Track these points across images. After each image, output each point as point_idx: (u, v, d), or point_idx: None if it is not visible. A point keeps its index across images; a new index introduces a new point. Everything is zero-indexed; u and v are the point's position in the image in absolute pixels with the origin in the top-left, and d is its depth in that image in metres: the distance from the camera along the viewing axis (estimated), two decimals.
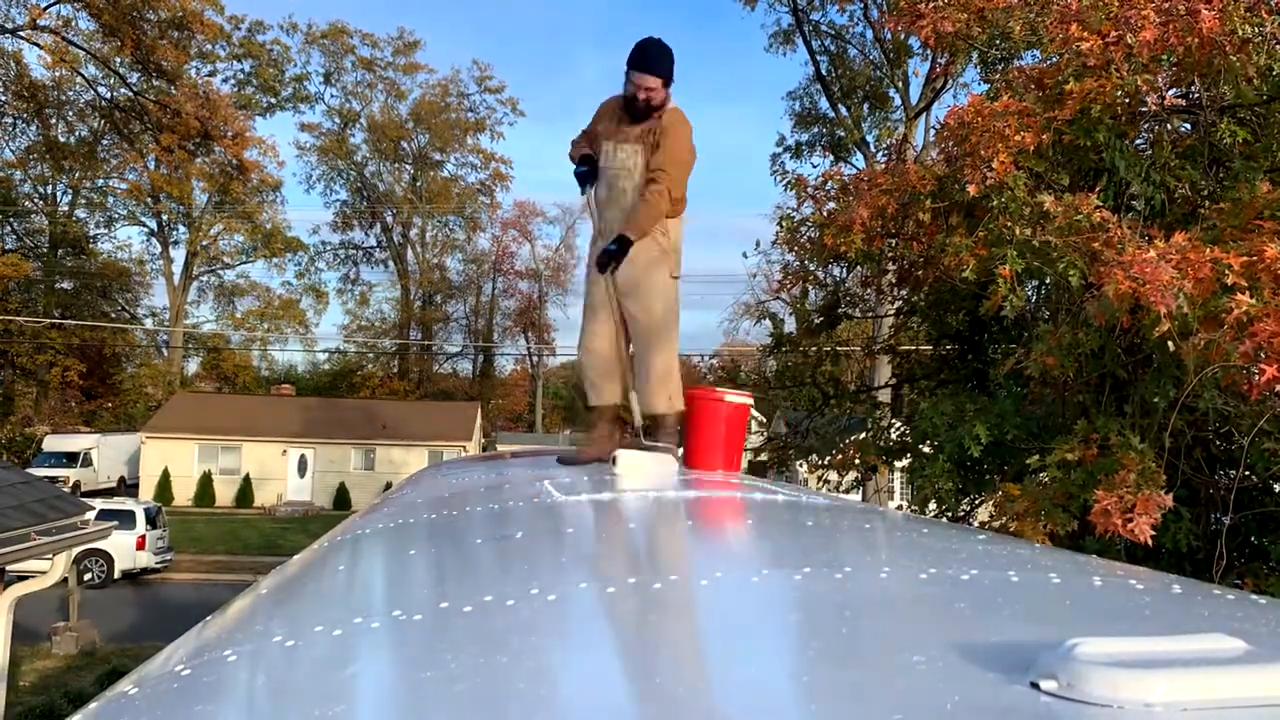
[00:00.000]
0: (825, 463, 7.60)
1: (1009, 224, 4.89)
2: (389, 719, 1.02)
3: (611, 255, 3.66)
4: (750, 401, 3.85)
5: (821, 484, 7.87)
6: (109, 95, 46.10)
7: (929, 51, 8.87)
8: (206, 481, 36.31)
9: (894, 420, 8.14)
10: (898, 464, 7.46)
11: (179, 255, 53.63)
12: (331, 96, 58.83)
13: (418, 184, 60.36)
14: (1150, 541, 4.24)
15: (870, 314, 10.18)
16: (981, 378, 7.22)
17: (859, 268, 7.83)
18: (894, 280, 7.79)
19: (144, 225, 53.60)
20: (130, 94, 44.16)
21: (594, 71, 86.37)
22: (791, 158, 26.14)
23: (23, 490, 7.75)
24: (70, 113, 49.20)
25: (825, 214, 6.64)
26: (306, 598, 1.86)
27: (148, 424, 38.86)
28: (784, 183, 7.44)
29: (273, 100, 55.76)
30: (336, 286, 61.80)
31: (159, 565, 22.50)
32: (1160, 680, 0.84)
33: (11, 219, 49.07)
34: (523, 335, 61.20)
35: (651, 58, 3.69)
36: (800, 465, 8.71)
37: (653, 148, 3.74)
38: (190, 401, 41.09)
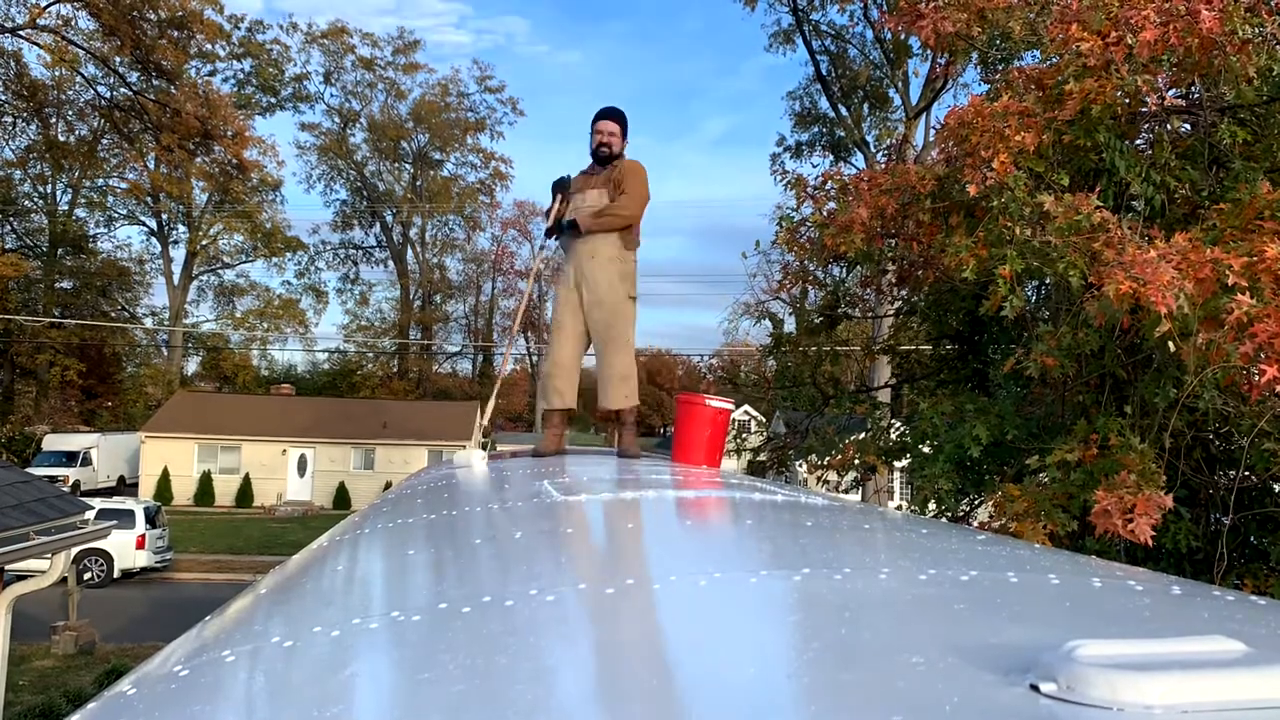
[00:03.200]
0: (825, 463, 7.60)
1: (1009, 224, 4.89)
2: None
3: (564, 229, 4.53)
4: (731, 407, 4.32)
5: (821, 484, 7.87)
6: (109, 95, 46.13)
7: (929, 51, 8.87)
8: (206, 481, 36.32)
9: (894, 420, 8.14)
10: (897, 464, 7.46)
11: (179, 255, 53.73)
12: (331, 96, 59.12)
13: (418, 183, 60.39)
14: (1150, 542, 4.23)
15: (870, 314, 10.18)
16: (981, 378, 7.22)
17: (859, 268, 7.83)
18: (894, 280, 7.79)
19: (144, 225, 53.69)
20: (130, 93, 44.17)
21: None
22: (791, 157, 26.21)
23: (22, 490, 7.75)
24: (70, 112, 49.27)
25: (825, 214, 6.64)
26: (305, 598, 1.86)
27: (147, 423, 38.86)
28: (784, 183, 7.44)
29: (273, 100, 55.86)
30: (336, 286, 61.95)
31: (158, 565, 22.51)
32: (1160, 682, 0.84)
33: (11, 218, 49.07)
34: (522, 335, 61.27)
35: (609, 110, 4.59)
36: (799, 465, 8.71)
37: (615, 187, 4.50)
38: (190, 401, 41.09)
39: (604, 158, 4.48)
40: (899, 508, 9.55)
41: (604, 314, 4.49)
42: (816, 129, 26.77)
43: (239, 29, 51.45)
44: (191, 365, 56.26)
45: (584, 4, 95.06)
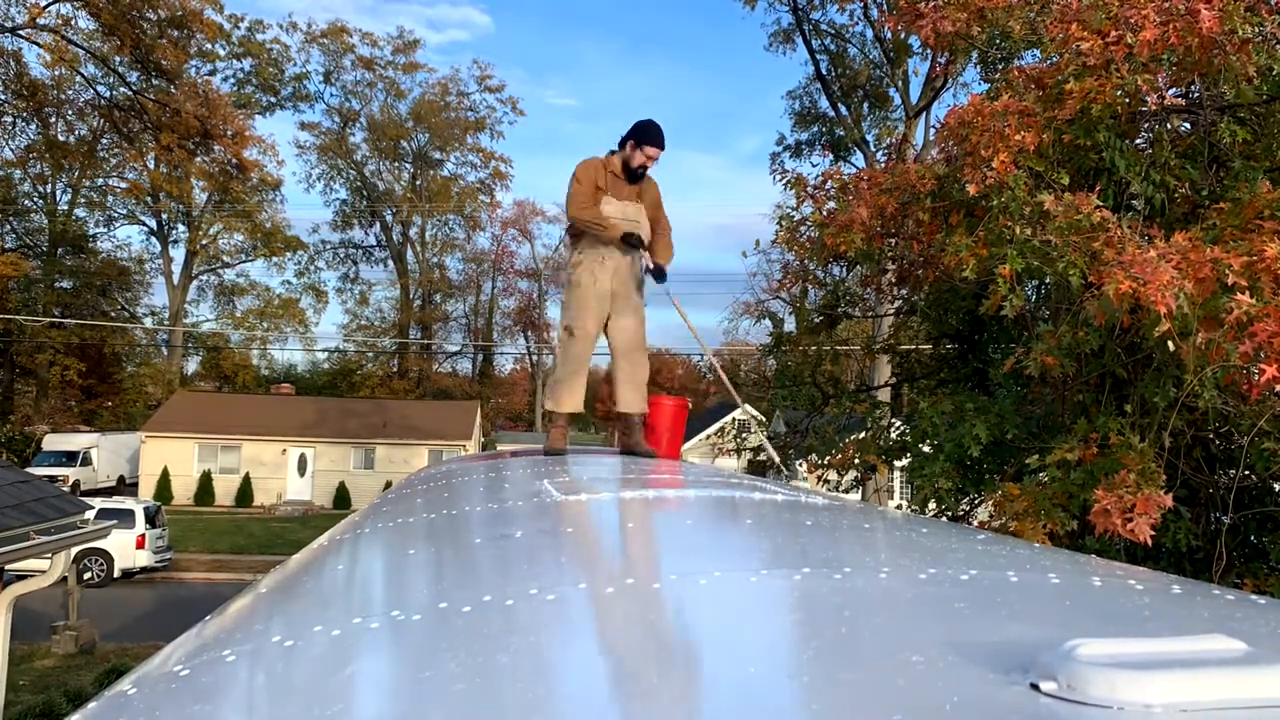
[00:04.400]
0: (825, 462, 7.59)
1: (1009, 223, 4.89)
2: (388, 719, 1.02)
3: (663, 274, 4.74)
4: (687, 402, 4.94)
5: (821, 483, 7.87)
6: (108, 94, 46.08)
7: (929, 51, 8.87)
8: (206, 481, 36.30)
9: (894, 420, 8.14)
10: (897, 463, 7.46)
11: (179, 254, 53.72)
12: (331, 95, 59.13)
13: (417, 183, 60.37)
14: (1150, 541, 4.24)
15: (870, 313, 10.18)
16: (981, 377, 7.22)
17: (859, 267, 7.83)
18: (894, 280, 7.79)
19: (144, 224, 53.68)
20: (130, 93, 44.12)
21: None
22: (791, 157, 26.21)
23: (22, 489, 7.75)
24: (70, 112, 49.21)
25: (825, 213, 6.63)
26: (306, 597, 1.86)
27: (147, 423, 38.84)
28: (784, 182, 7.43)
29: (272, 99, 55.84)
30: (336, 286, 61.82)
31: (158, 564, 22.50)
32: (1160, 681, 0.84)
33: (11, 218, 49.05)
34: (522, 335, 61.30)
35: (660, 136, 4.66)
36: (800, 465, 8.70)
37: (651, 203, 4.79)
38: (190, 401, 41.08)
39: (639, 177, 4.70)
40: (899, 507, 9.55)
41: (636, 322, 4.72)
42: (816, 128, 26.77)
43: (239, 28, 51.50)
44: (191, 365, 56.31)
45: (649, 38, 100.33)
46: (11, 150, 48.85)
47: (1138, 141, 5.66)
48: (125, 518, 20.67)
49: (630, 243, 4.60)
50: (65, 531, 7.70)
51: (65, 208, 50.94)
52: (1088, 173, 5.46)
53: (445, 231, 61.07)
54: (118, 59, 42.54)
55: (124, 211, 52.95)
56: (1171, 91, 5.53)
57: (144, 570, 22.08)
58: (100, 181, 52.09)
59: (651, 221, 4.77)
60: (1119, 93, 4.95)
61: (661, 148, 4.63)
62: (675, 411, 4.75)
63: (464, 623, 1.29)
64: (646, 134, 4.64)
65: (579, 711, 0.95)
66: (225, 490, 36.57)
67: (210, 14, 45.71)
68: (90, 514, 8.87)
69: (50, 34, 41.05)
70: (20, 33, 39.73)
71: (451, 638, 1.24)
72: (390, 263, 60.21)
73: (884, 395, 9.95)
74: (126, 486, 37.26)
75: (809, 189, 7.00)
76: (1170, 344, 4.10)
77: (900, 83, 23.01)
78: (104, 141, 50.48)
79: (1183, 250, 4.10)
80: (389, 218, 59.74)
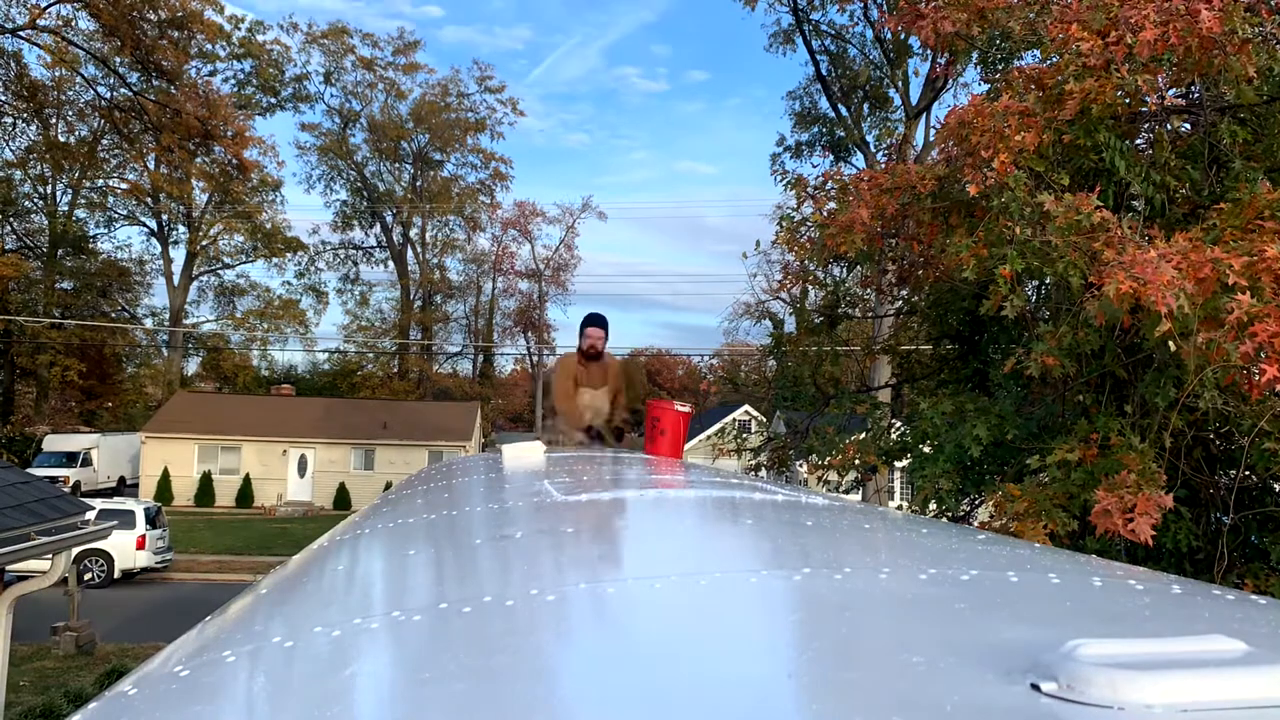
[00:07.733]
0: (825, 463, 7.59)
1: (1009, 224, 4.89)
2: None
3: (622, 434, 5.97)
4: (690, 410, 5.49)
5: (822, 484, 7.86)
6: (109, 95, 46.11)
7: (929, 51, 8.87)
8: (206, 481, 36.32)
9: (894, 420, 8.13)
10: (898, 464, 7.45)
11: (179, 255, 53.72)
12: (331, 96, 59.11)
13: (418, 184, 60.39)
14: (1151, 541, 4.23)
15: (870, 314, 10.19)
16: (981, 378, 7.22)
17: (859, 268, 7.83)
18: (894, 280, 7.78)
19: (144, 225, 53.68)
20: (130, 94, 44.15)
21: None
22: (791, 157, 26.23)
23: (22, 490, 7.75)
24: (70, 113, 49.24)
25: (825, 214, 6.63)
26: (306, 598, 1.86)
27: (148, 424, 38.87)
28: (784, 182, 7.43)
29: (273, 100, 55.84)
30: (336, 286, 61.83)
31: (159, 565, 22.50)
32: (1160, 681, 0.84)
33: (12, 219, 49.05)
34: (522, 335, 61.28)
35: (595, 320, 5.82)
36: (800, 465, 8.70)
37: (612, 374, 5.80)
38: (190, 401, 41.09)
39: (594, 356, 5.73)
40: (899, 508, 9.54)
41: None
42: (817, 129, 26.80)
43: (239, 29, 51.50)
44: (192, 366, 56.31)
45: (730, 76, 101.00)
46: (12, 151, 48.90)
47: (1138, 142, 5.66)
48: (126, 518, 20.67)
49: (591, 436, 5.81)
50: (66, 532, 7.71)
51: (65, 209, 50.93)
52: (1088, 173, 5.45)
53: (446, 232, 61.12)
54: (118, 60, 42.56)
55: (124, 212, 53.00)
56: (1171, 92, 5.53)
57: (144, 571, 22.07)
58: (100, 182, 52.12)
59: (613, 390, 5.79)
60: (1119, 93, 4.95)
61: (597, 326, 5.74)
62: (680, 417, 5.32)
63: (464, 623, 1.29)
64: (584, 323, 5.83)
65: (579, 712, 0.95)
66: (225, 491, 36.59)
67: (211, 15, 45.77)
68: (91, 515, 8.88)
69: (50, 35, 41.08)
70: (20, 34, 39.75)
71: (451, 638, 1.24)
72: (390, 264, 60.26)
73: (884, 396, 9.95)
74: (127, 487, 37.28)
75: (809, 190, 7.00)
76: (1171, 344, 4.10)
77: (900, 83, 23.01)
78: (104, 142, 50.50)
79: (1183, 250, 4.10)
80: (389, 219, 59.77)
